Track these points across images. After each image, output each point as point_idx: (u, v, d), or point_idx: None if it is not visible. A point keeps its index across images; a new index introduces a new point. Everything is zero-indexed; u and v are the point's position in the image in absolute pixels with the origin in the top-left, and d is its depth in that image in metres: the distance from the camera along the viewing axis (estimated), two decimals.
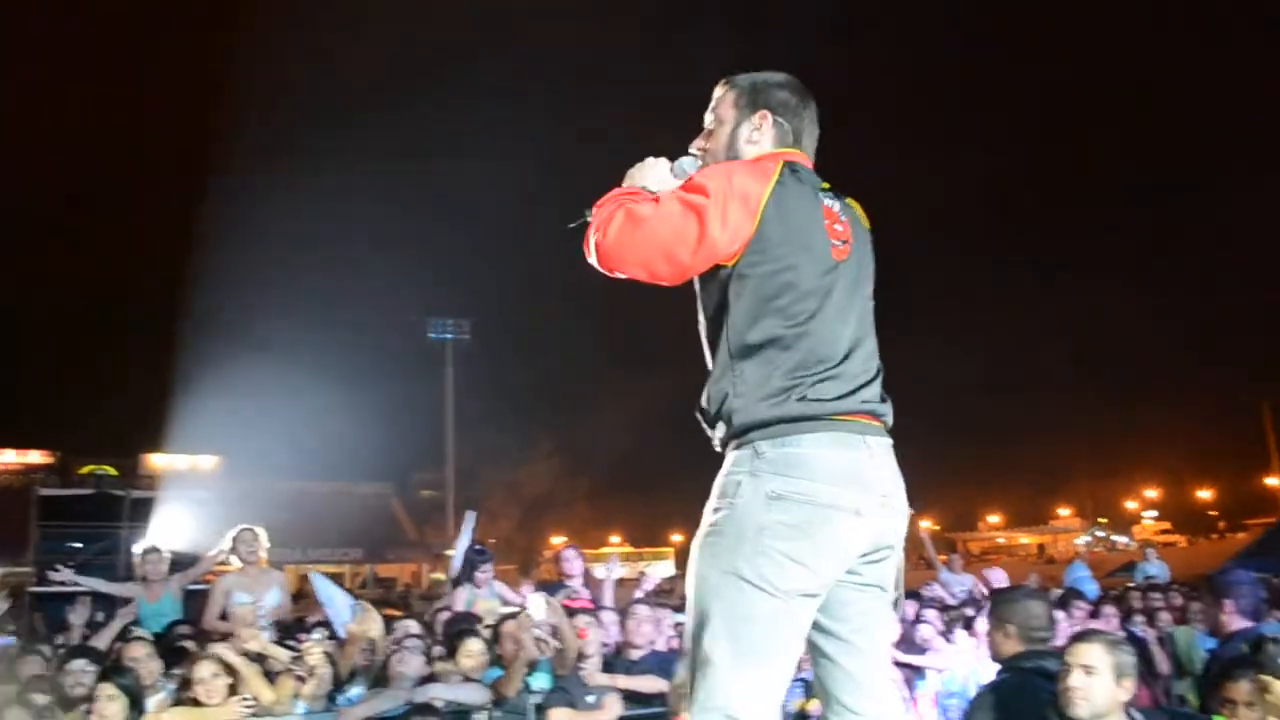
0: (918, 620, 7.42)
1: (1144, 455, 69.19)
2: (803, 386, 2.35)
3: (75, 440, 40.61)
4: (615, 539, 48.26)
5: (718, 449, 2.49)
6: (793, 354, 2.37)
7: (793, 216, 2.43)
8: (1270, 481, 55.63)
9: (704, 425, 2.52)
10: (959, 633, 7.29)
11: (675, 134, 2.81)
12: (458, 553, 7.63)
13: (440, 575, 31.63)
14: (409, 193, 66.53)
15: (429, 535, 45.68)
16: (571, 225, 2.62)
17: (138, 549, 12.95)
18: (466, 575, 7.33)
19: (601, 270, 2.50)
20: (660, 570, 25.68)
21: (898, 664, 6.30)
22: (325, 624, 6.38)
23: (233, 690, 4.99)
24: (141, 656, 5.32)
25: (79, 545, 15.29)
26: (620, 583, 7.76)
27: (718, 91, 2.73)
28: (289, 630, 6.62)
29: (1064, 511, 72.55)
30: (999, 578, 10.66)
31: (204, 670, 4.99)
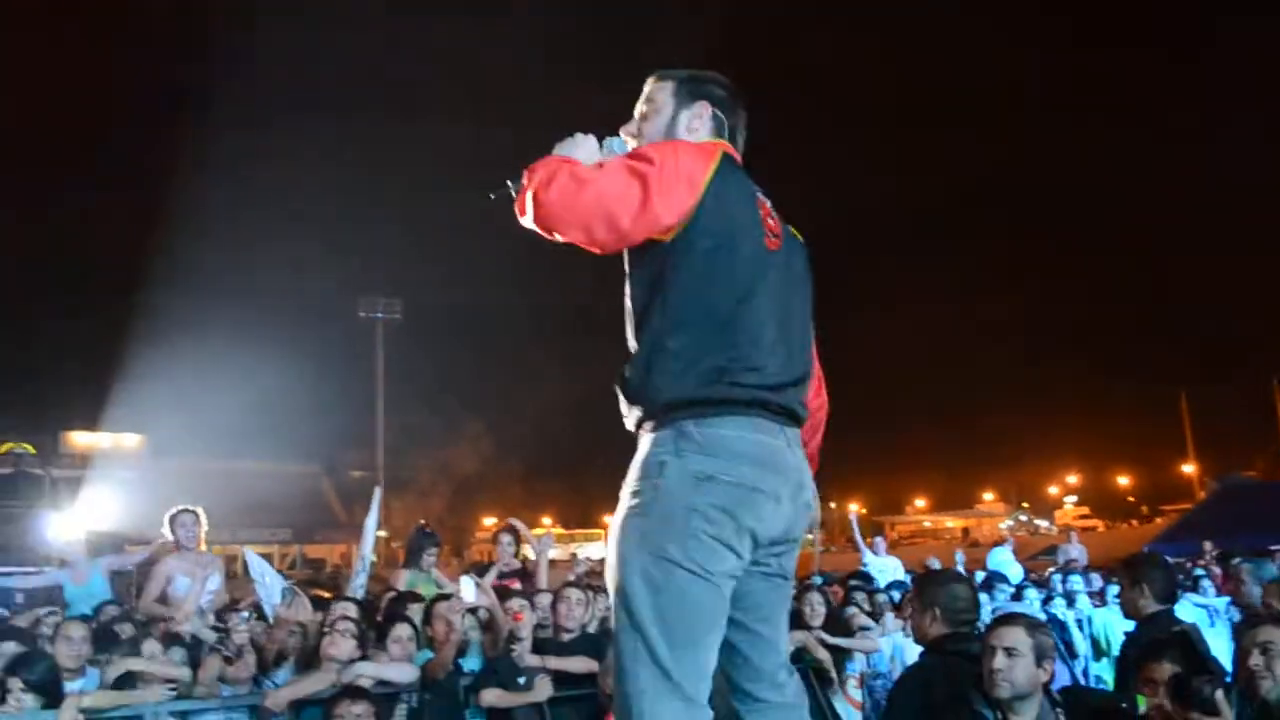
0: (846, 603, 7.54)
1: (1066, 442, 70.98)
2: (733, 371, 2.35)
3: None
4: (547, 520, 48.07)
5: (630, 427, 2.46)
6: (725, 335, 2.36)
7: (732, 200, 2.44)
8: (1186, 469, 57.35)
9: (621, 400, 2.48)
10: (886, 615, 7.42)
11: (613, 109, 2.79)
12: (367, 530, 7.49)
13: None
14: (340, 169, 65.43)
15: (358, 516, 45.02)
16: (492, 195, 2.57)
17: (60, 530, 12.67)
18: (414, 558, 7.20)
19: (538, 230, 2.43)
20: (592, 551, 25.79)
21: (825, 646, 6.39)
22: (255, 606, 6.30)
23: None
24: (77, 638, 5.23)
25: None
26: (552, 564, 7.74)
27: (651, 83, 2.72)
28: (217, 613, 6.53)
29: (988, 496, 73.87)
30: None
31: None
